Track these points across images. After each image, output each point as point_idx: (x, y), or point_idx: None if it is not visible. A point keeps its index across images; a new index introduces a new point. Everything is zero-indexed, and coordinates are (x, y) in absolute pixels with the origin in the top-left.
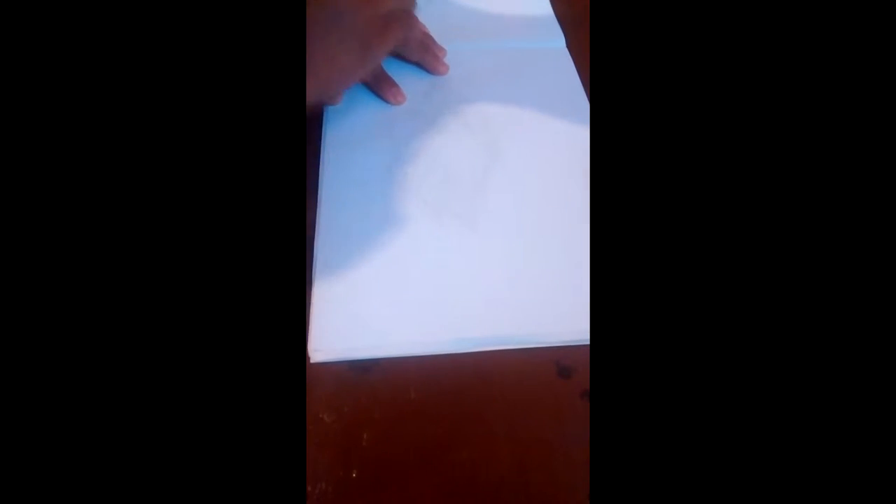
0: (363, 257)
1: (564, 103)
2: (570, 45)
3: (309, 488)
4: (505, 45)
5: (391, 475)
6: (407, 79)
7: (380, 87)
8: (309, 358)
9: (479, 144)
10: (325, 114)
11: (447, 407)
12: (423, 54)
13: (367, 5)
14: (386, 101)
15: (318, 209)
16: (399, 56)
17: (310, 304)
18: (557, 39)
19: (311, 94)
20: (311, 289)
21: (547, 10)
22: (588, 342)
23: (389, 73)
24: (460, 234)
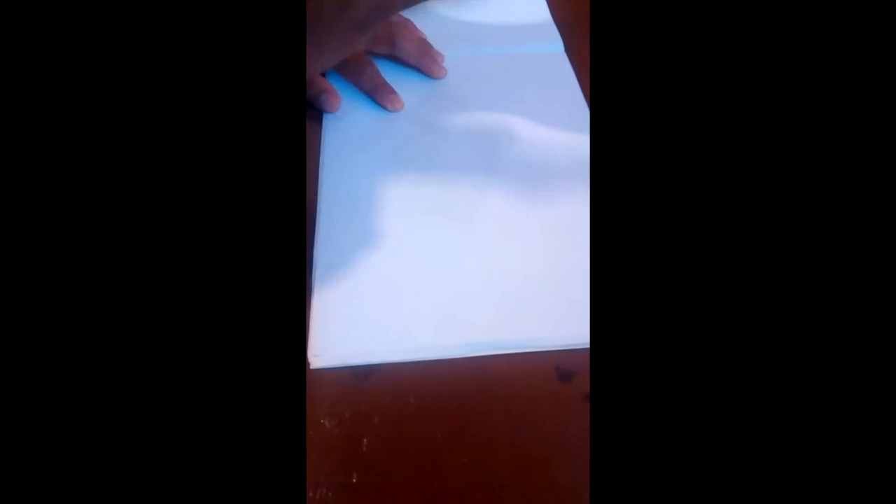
0: (362, 264)
1: (563, 107)
2: (569, 50)
3: (310, 493)
4: (503, 50)
5: (391, 480)
6: (405, 84)
7: (378, 94)
8: (309, 364)
9: (477, 149)
10: (324, 120)
11: (447, 412)
12: (420, 58)
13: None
14: (384, 108)
15: (317, 215)
16: (397, 60)
17: (310, 310)
18: (556, 44)
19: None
20: (310, 295)
21: (545, 14)
22: (588, 346)
23: (388, 80)
24: (459, 239)
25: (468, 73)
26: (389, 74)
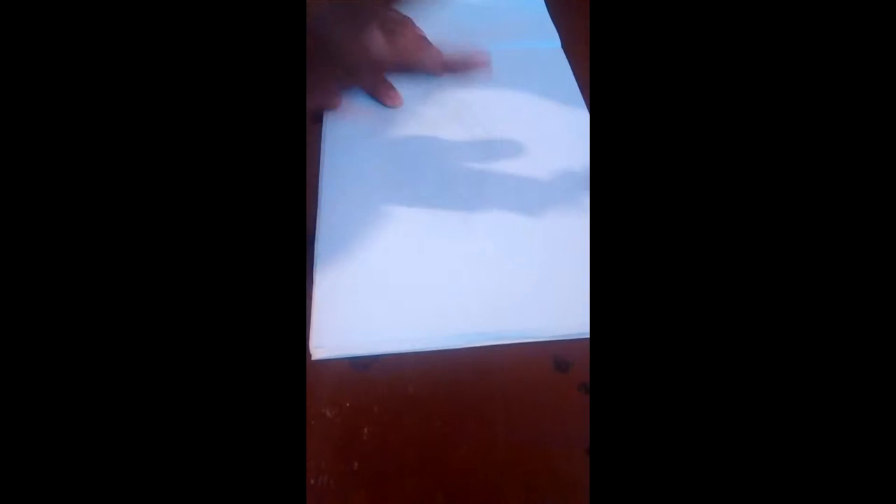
0: (362, 256)
1: (560, 102)
2: (565, 45)
3: (312, 481)
4: (500, 46)
5: (391, 468)
6: (404, 81)
7: (377, 90)
8: (310, 355)
9: (475, 143)
10: (324, 116)
11: (446, 401)
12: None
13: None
14: (383, 104)
15: (318, 208)
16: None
17: (310, 302)
18: (552, 39)
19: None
20: (311, 287)
21: (542, 10)
22: (585, 336)
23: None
24: (457, 231)
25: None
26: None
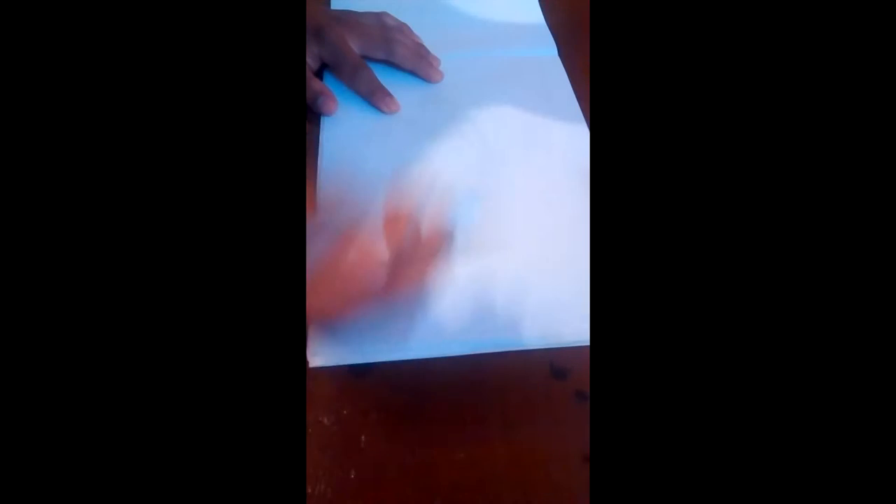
0: None
1: (556, 110)
2: (562, 53)
3: (309, 489)
4: (497, 54)
5: (388, 476)
6: (401, 88)
7: (374, 96)
8: (308, 363)
9: (472, 151)
10: (321, 123)
11: (443, 409)
12: (417, 62)
13: None
14: (380, 110)
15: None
16: (393, 64)
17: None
18: (549, 47)
19: None
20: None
21: (538, 18)
22: (582, 344)
23: (384, 83)
24: (454, 240)
25: (463, 76)
26: (385, 78)
